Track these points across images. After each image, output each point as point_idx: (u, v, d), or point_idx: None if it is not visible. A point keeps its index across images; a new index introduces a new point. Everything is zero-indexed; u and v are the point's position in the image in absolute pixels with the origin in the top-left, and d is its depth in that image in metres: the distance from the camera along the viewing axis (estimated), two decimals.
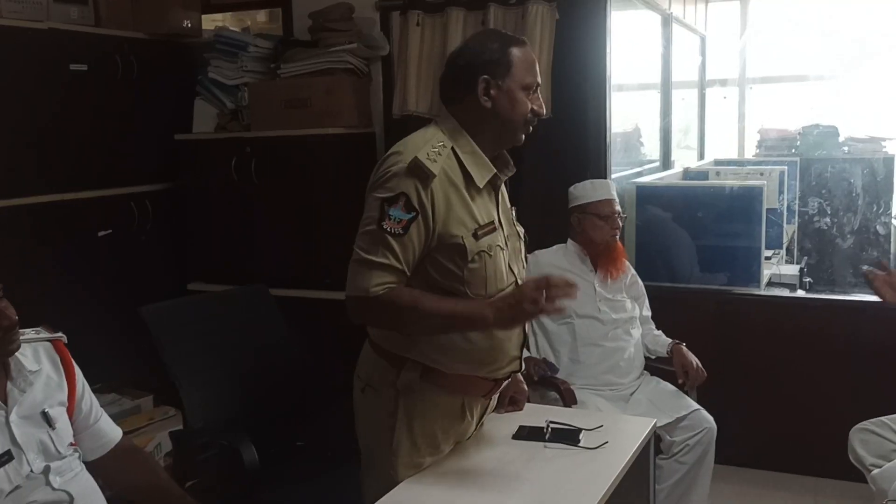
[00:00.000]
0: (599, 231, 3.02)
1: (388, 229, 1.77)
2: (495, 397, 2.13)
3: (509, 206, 2.06)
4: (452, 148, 1.87)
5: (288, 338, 2.87)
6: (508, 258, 1.95)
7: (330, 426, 2.65)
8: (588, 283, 3.04)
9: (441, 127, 1.92)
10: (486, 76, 1.88)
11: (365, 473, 2.05)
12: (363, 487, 2.05)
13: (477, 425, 2.09)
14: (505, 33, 2.02)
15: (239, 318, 2.76)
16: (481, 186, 1.88)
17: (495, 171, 1.92)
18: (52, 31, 3.27)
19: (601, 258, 3.03)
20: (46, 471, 1.71)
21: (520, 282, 1.97)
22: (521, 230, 2.07)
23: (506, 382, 2.07)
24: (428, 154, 1.81)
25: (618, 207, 3.05)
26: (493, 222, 1.90)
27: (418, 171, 1.79)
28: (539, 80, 1.95)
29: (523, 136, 1.97)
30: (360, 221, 1.85)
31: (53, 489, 1.71)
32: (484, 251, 1.85)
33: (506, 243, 1.95)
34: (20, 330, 1.71)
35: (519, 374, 2.19)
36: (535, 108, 1.93)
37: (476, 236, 1.84)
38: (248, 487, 2.26)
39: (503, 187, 2.02)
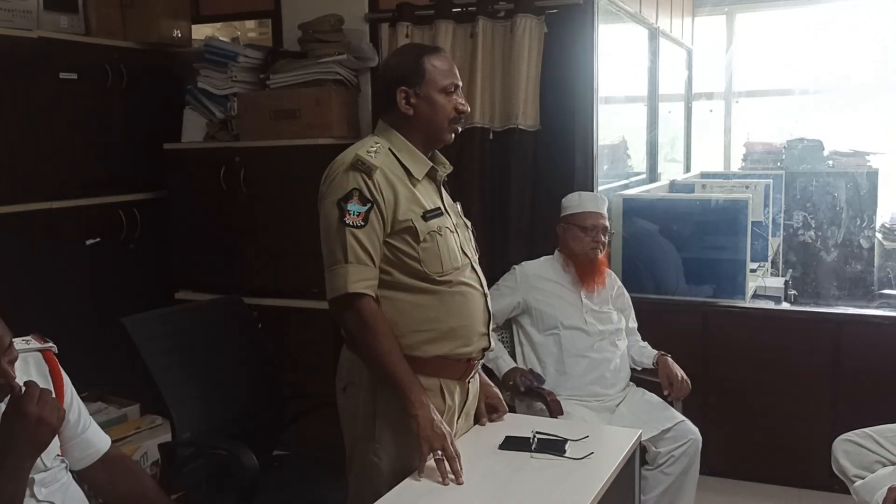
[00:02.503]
0: (579, 242, 3.04)
1: (350, 223, 1.95)
2: (474, 385, 2.19)
3: (453, 201, 2.21)
4: (389, 148, 2.04)
5: (268, 346, 2.88)
6: (461, 242, 2.11)
7: (315, 433, 2.65)
8: (574, 295, 3.06)
9: (377, 133, 2.11)
10: (403, 87, 2.05)
11: (350, 471, 2.12)
12: (349, 485, 2.11)
13: (459, 415, 2.14)
14: (420, 45, 2.22)
15: (218, 328, 2.76)
16: (419, 178, 2.05)
17: (431, 164, 2.09)
18: (42, 39, 3.27)
19: (580, 270, 3.06)
20: (31, 483, 1.70)
21: (474, 264, 2.14)
22: (468, 222, 2.23)
23: (479, 363, 2.16)
24: (367, 151, 1.99)
25: (604, 222, 3.07)
26: (438, 208, 2.07)
27: (360, 166, 1.96)
28: (458, 81, 2.10)
29: (452, 135, 2.12)
30: (321, 233, 2.00)
31: (38, 500, 1.71)
32: (434, 231, 2.02)
33: (455, 229, 2.11)
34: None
35: (485, 377, 2.28)
36: (459, 107, 2.09)
37: (425, 218, 2.01)
38: (247, 496, 2.26)
39: (444, 185, 2.17)
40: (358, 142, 2.09)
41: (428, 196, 2.06)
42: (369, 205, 1.95)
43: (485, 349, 2.14)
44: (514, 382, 2.90)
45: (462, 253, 2.09)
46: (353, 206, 1.95)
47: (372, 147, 2.01)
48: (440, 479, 1.87)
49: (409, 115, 2.06)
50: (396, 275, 2.01)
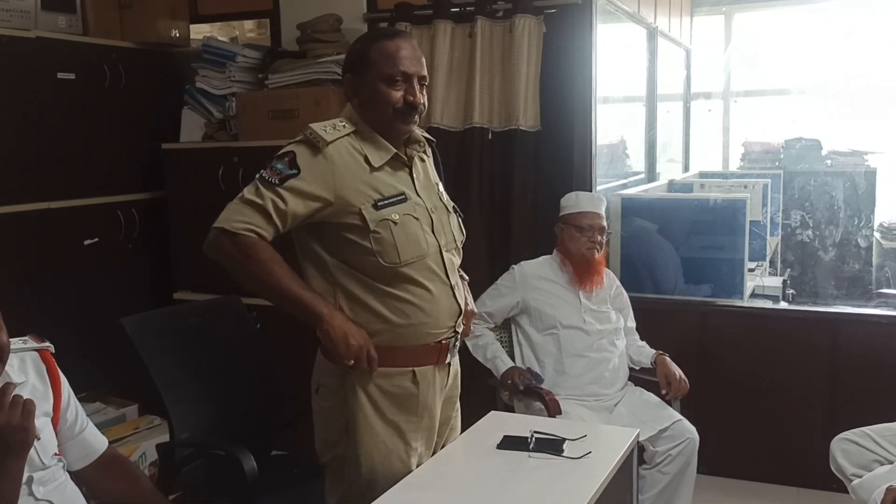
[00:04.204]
0: (575, 242, 3.04)
1: (266, 177, 1.90)
2: (454, 366, 2.15)
3: (435, 181, 2.13)
4: (355, 131, 1.98)
5: (266, 347, 2.88)
6: (433, 228, 2.03)
7: (314, 434, 2.66)
8: (573, 294, 3.06)
9: (345, 116, 2.04)
10: (348, 74, 2.02)
11: (323, 472, 2.11)
12: (323, 486, 2.11)
13: (443, 402, 2.11)
14: (380, 30, 2.15)
15: (217, 329, 2.76)
16: (377, 166, 1.97)
17: (395, 151, 2.01)
18: (40, 39, 3.27)
19: (577, 270, 3.06)
20: (30, 481, 1.70)
21: (444, 250, 2.04)
22: (449, 204, 2.15)
23: (455, 345, 2.11)
24: (323, 127, 1.95)
25: (601, 222, 3.06)
26: (401, 194, 1.99)
27: (309, 138, 1.93)
28: (413, 70, 1.98)
29: (406, 126, 2.02)
30: None
31: (36, 499, 1.71)
32: (387, 220, 1.94)
33: (429, 214, 2.03)
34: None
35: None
36: (409, 97, 1.98)
37: (377, 207, 1.94)
38: (245, 496, 2.26)
39: (420, 164, 2.09)
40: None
41: (390, 182, 1.99)
42: (296, 171, 1.89)
43: (457, 333, 2.08)
44: (512, 381, 2.90)
45: (433, 238, 2.02)
46: (279, 165, 1.90)
47: (333, 124, 1.96)
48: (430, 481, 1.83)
49: (357, 105, 2.01)
50: (352, 272, 1.96)
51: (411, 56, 1.99)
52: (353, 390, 2.00)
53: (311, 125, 1.95)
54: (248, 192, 1.92)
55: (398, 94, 1.97)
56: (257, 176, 1.93)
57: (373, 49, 1.97)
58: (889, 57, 5.45)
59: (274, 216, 1.89)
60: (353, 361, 1.91)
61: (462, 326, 2.11)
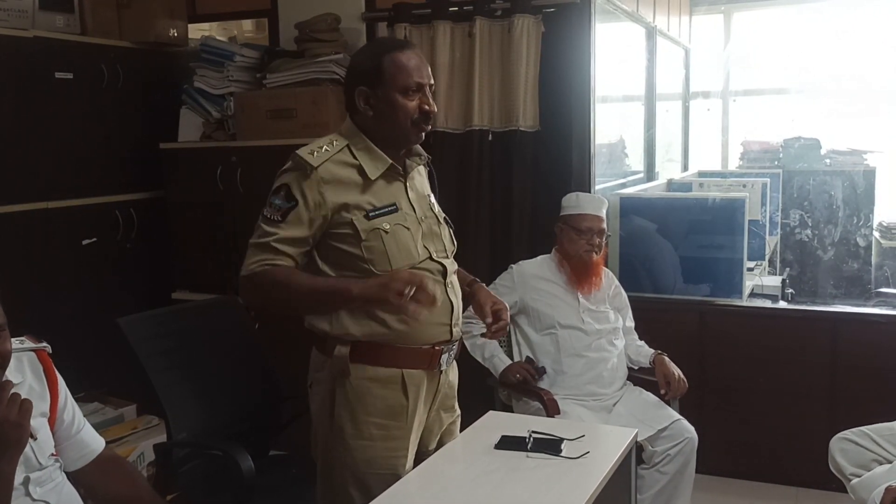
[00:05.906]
0: (574, 244, 3.04)
1: (268, 215, 1.96)
2: (448, 375, 2.15)
3: (427, 193, 2.16)
4: (349, 145, 2.00)
5: (264, 346, 2.88)
6: (422, 237, 2.05)
7: (307, 434, 2.66)
8: (571, 294, 3.06)
9: (340, 131, 2.06)
10: (362, 87, 2.01)
11: (318, 466, 2.11)
12: (318, 480, 2.11)
13: (431, 409, 2.11)
14: (387, 40, 2.17)
15: (215, 329, 2.76)
16: (372, 178, 1.99)
17: (391, 162, 2.02)
18: (38, 39, 3.27)
19: (575, 271, 3.05)
20: (26, 482, 1.70)
21: (435, 257, 2.06)
22: (440, 215, 2.16)
23: (451, 353, 2.10)
24: (311, 151, 1.97)
25: (601, 225, 3.05)
26: (392, 204, 2.01)
27: (297, 165, 1.96)
28: (426, 80, 2.02)
29: (419, 136, 2.05)
30: None
31: (33, 500, 1.71)
32: (379, 229, 1.97)
33: (419, 224, 2.05)
34: None
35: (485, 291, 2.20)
36: (425, 107, 2.00)
37: (368, 217, 1.97)
38: (243, 497, 2.26)
39: (416, 176, 2.12)
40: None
41: (383, 193, 2.01)
42: (294, 203, 1.93)
43: (448, 340, 2.07)
44: (519, 377, 2.90)
45: (423, 248, 2.04)
46: (277, 201, 1.95)
47: (321, 145, 1.98)
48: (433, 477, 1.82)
49: (370, 116, 2.01)
50: (346, 276, 1.98)
51: (422, 65, 2.02)
52: (341, 388, 2.01)
53: (296, 152, 1.97)
54: (255, 235, 1.98)
55: (414, 105, 1.99)
56: (260, 217, 1.98)
57: (385, 61, 1.98)
58: (888, 56, 5.45)
59: (284, 249, 1.94)
60: (407, 303, 1.88)
61: (458, 331, 2.11)
